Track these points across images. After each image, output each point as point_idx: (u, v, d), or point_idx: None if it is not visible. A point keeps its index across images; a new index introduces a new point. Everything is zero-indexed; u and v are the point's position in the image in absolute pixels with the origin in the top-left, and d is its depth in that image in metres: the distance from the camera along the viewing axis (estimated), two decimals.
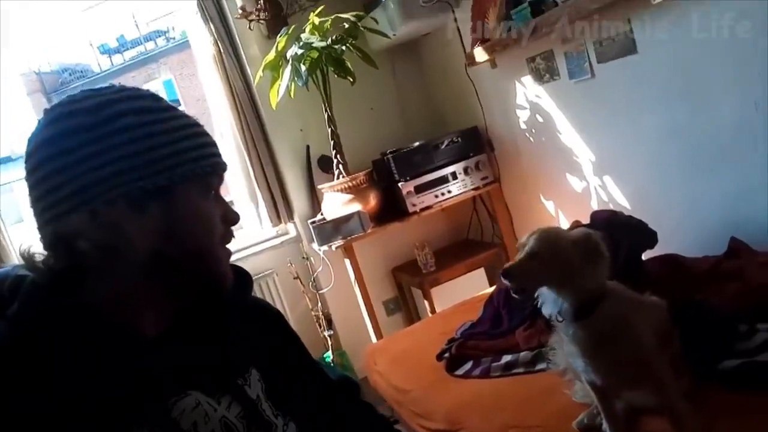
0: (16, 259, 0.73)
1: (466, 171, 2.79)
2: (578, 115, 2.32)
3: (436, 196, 2.76)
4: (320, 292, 3.06)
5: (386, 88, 3.20)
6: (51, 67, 16.29)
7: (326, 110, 2.66)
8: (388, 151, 2.82)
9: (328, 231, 2.68)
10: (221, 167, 0.75)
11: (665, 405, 1.17)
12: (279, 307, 2.86)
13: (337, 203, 2.72)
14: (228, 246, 0.77)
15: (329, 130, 2.70)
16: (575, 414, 1.36)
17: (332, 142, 2.71)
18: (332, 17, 2.53)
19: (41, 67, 16.01)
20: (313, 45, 2.44)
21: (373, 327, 2.82)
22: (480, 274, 3.02)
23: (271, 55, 2.55)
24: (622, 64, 1.98)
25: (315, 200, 3.07)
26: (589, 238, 1.15)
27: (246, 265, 0.85)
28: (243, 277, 0.82)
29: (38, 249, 0.68)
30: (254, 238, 3.21)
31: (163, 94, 0.75)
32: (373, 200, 2.73)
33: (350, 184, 2.68)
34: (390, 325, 3.13)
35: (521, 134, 2.67)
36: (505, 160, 2.85)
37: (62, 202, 0.64)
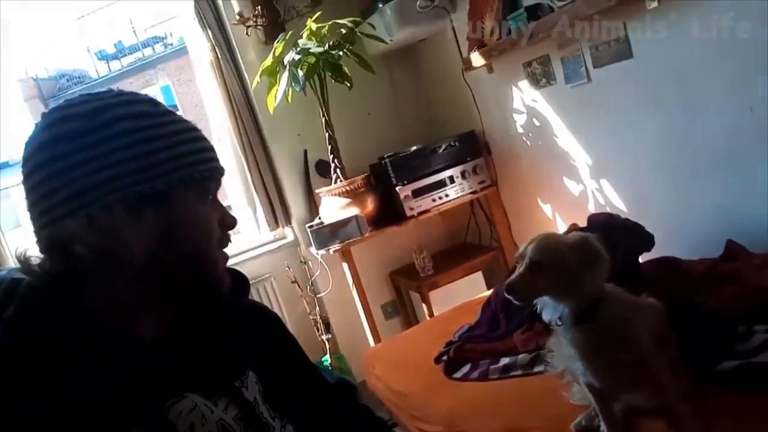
0: (13, 265, 0.72)
1: (463, 175, 2.80)
2: (575, 120, 2.33)
3: (434, 200, 2.76)
4: (318, 296, 3.06)
5: (383, 92, 3.21)
6: (48, 73, 16.30)
7: (324, 115, 2.67)
8: (385, 156, 2.83)
9: (325, 235, 2.68)
10: (219, 172, 0.75)
11: (664, 407, 1.17)
12: (277, 311, 2.87)
13: (334, 207, 2.72)
14: (225, 250, 0.77)
15: (327, 135, 2.70)
16: (573, 416, 1.36)
17: (330, 147, 2.72)
18: (329, 23, 2.54)
19: (39, 73, 16.03)
20: (311, 50, 2.45)
21: (371, 331, 2.82)
22: (478, 277, 3.02)
23: (269, 60, 2.56)
24: (618, 68, 1.99)
25: (313, 204, 3.08)
26: (586, 243, 1.15)
27: (244, 270, 0.85)
28: (240, 281, 0.82)
29: (35, 253, 0.68)
30: (252, 242, 3.21)
31: (160, 100, 0.76)
32: (370, 204, 2.73)
33: (348, 188, 2.68)
34: (388, 328, 3.13)
35: (518, 138, 2.68)
36: (502, 163, 2.86)
37: (58, 206, 0.64)
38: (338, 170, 2.73)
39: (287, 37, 2.55)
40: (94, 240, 0.65)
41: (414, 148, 2.83)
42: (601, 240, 1.17)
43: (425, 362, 1.97)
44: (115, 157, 0.65)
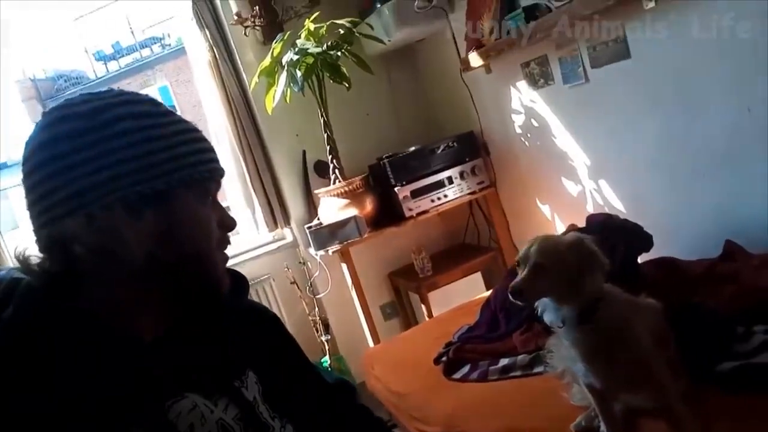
0: (12, 266, 0.72)
1: (462, 175, 2.80)
2: (573, 120, 2.33)
3: (433, 201, 2.76)
4: (317, 297, 3.06)
5: (382, 93, 3.21)
6: (46, 74, 16.26)
7: (322, 115, 2.67)
8: (384, 156, 2.83)
9: (324, 236, 2.68)
10: (219, 173, 0.75)
11: (663, 407, 1.17)
12: (276, 311, 2.86)
13: (333, 208, 2.72)
14: (225, 251, 0.77)
15: (325, 136, 2.70)
16: (573, 417, 1.36)
17: (328, 147, 2.72)
18: (328, 23, 2.54)
19: (36, 73, 15.99)
20: (309, 51, 2.45)
21: (370, 331, 2.82)
22: (477, 278, 3.02)
23: (267, 60, 2.56)
24: (616, 69, 1.99)
25: (311, 205, 3.08)
26: (582, 244, 1.15)
27: (243, 270, 0.85)
28: (239, 281, 0.83)
29: (34, 252, 0.68)
30: (251, 243, 3.21)
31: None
32: (369, 205, 2.73)
33: (346, 188, 2.68)
34: (387, 329, 3.13)
35: (516, 139, 2.68)
36: (500, 164, 2.86)
37: (57, 205, 0.64)
38: (337, 171, 2.73)
39: (285, 38, 2.54)
40: (94, 239, 0.65)
41: (412, 148, 2.83)
42: (598, 241, 1.17)
43: (424, 363, 1.97)
44: (115, 156, 0.65)
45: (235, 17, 2.82)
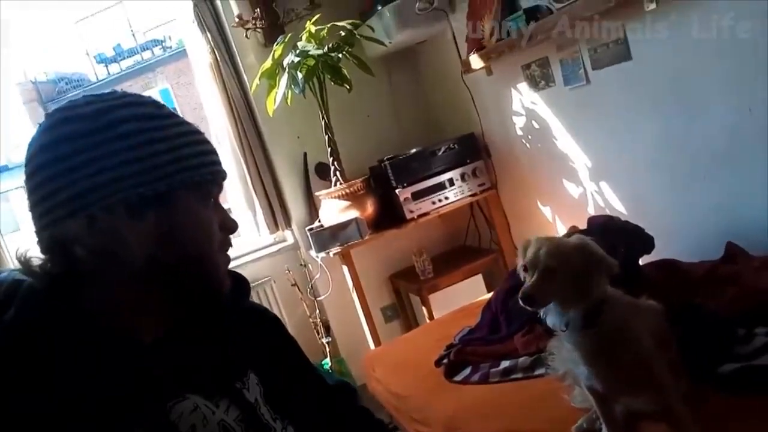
0: (12, 268, 0.72)
1: (463, 177, 2.80)
2: (574, 122, 2.33)
3: (434, 203, 2.76)
4: (318, 299, 3.05)
5: (383, 95, 3.21)
6: (47, 77, 16.28)
7: (323, 117, 2.67)
8: (385, 158, 2.83)
9: (325, 238, 2.68)
10: (221, 175, 0.75)
11: (665, 408, 1.17)
12: (277, 313, 2.85)
13: (334, 210, 2.72)
14: (228, 253, 0.77)
15: (326, 138, 2.70)
16: (574, 419, 1.35)
17: (329, 149, 2.72)
18: (329, 25, 2.54)
19: (37, 76, 16.01)
20: (310, 53, 2.45)
21: (371, 334, 2.81)
22: (478, 280, 3.02)
23: (268, 63, 2.56)
24: (617, 70, 1.99)
25: (312, 207, 3.08)
26: (588, 246, 1.14)
27: (244, 272, 0.86)
28: (240, 283, 0.83)
29: (35, 254, 0.68)
30: (252, 245, 3.21)
31: None
32: (370, 207, 2.73)
33: (347, 190, 2.68)
34: (388, 331, 3.12)
35: (517, 140, 2.68)
36: (501, 166, 2.86)
37: (59, 207, 0.64)
38: (338, 173, 2.73)
39: (286, 40, 2.55)
40: (95, 241, 0.65)
41: (413, 150, 2.83)
42: (600, 242, 1.17)
43: (425, 365, 1.96)
44: (117, 158, 0.65)
45: (237, 19, 2.82)
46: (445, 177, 2.78)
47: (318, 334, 3.01)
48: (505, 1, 2.25)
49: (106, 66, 16.22)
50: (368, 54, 2.87)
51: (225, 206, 0.82)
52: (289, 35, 2.58)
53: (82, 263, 0.66)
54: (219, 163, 0.75)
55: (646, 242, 1.79)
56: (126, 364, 0.65)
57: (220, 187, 0.76)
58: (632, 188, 2.18)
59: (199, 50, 2.94)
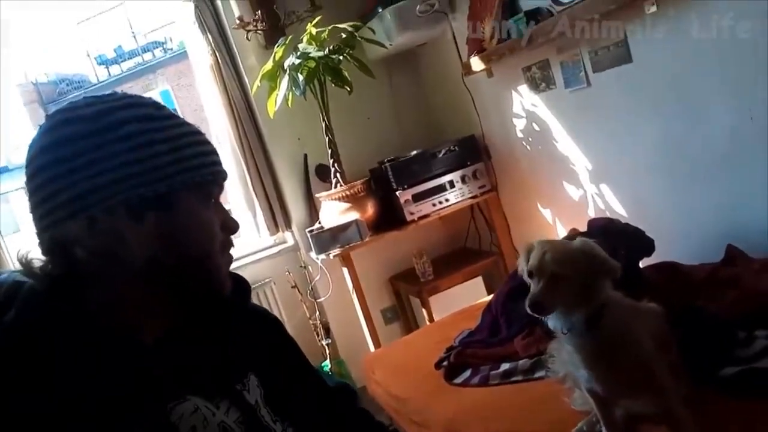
0: (12, 269, 0.72)
1: (463, 179, 2.80)
2: (574, 124, 2.33)
3: (434, 205, 2.76)
4: (318, 300, 3.05)
5: (383, 97, 3.21)
6: (48, 78, 16.31)
7: (324, 119, 2.67)
8: (385, 160, 2.83)
9: (325, 239, 2.68)
10: (222, 176, 0.75)
11: (665, 411, 1.16)
12: (276, 315, 2.85)
13: (334, 212, 2.72)
14: (230, 253, 0.77)
15: (327, 139, 2.70)
16: (574, 422, 1.35)
17: (330, 151, 2.72)
18: (329, 27, 2.54)
19: (38, 77, 16.04)
20: (311, 55, 2.46)
21: (371, 336, 2.81)
22: (478, 282, 3.02)
23: (269, 64, 2.56)
24: (618, 73, 1.99)
25: (313, 209, 3.08)
26: (593, 249, 1.13)
27: (244, 274, 0.85)
28: (241, 285, 0.83)
29: (36, 255, 0.68)
30: (252, 246, 3.21)
31: None
32: (370, 209, 2.73)
33: (348, 192, 2.68)
34: (388, 333, 3.12)
35: (518, 143, 2.68)
36: (502, 168, 2.86)
37: (59, 208, 0.64)
38: (338, 174, 2.73)
39: (287, 42, 2.55)
40: (96, 242, 0.65)
41: (414, 152, 2.83)
42: (601, 245, 1.16)
43: (425, 367, 1.96)
44: (118, 159, 0.65)
45: (237, 21, 2.82)
46: (445, 179, 2.78)
47: (318, 335, 3.01)
48: (506, 4, 2.26)
49: (107, 67, 16.25)
50: (369, 56, 2.87)
51: (225, 207, 0.82)
52: (290, 37, 2.58)
53: (83, 264, 0.66)
54: (219, 164, 0.75)
55: (646, 245, 1.79)
56: (126, 364, 0.64)
57: (220, 188, 0.76)
58: (633, 191, 2.18)
59: (200, 52, 2.95)
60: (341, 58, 2.54)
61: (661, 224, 1.96)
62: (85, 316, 0.65)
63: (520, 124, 2.63)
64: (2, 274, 0.70)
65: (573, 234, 2.02)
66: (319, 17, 2.61)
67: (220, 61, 2.91)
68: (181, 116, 0.75)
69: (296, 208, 3.10)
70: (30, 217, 0.68)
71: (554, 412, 1.44)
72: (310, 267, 3.05)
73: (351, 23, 2.57)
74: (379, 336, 2.84)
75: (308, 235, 2.78)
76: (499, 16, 2.27)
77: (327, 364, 2.96)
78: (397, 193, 2.72)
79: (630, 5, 1.74)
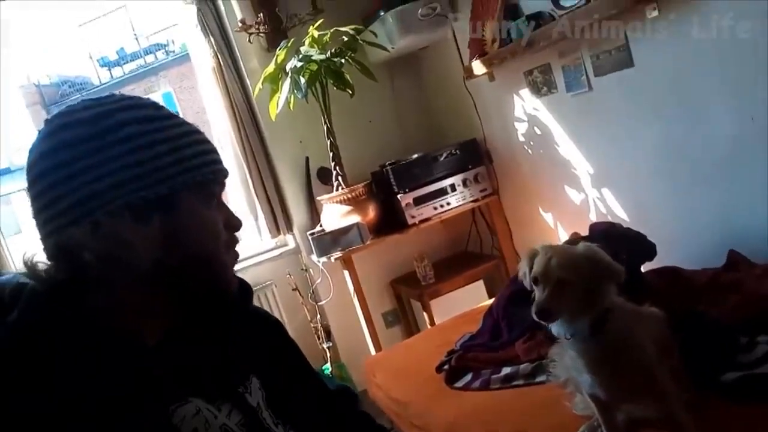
0: (14, 271, 0.73)
1: (464, 183, 2.80)
2: (576, 128, 2.33)
3: (435, 208, 2.76)
4: (319, 303, 3.05)
5: (385, 100, 3.22)
6: (50, 80, 16.34)
7: (325, 122, 2.67)
8: (387, 163, 2.83)
9: (327, 243, 2.68)
10: (223, 174, 0.75)
11: (667, 416, 1.16)
12: (277, 318, 2.86)
13: (336, 215, 2.72)
14: (236, 249, 0.77)
15: (328, 142, 2.71)
16: (576, 426, 1.35)
17: (331, 154, 2.72)
18: (331, 30, 2.55)
19: (40, 79, 16.06)
20: (313, 58, 2.46)
21: (372, 339, 2.81)
22: (479, 286, 3.01)
23: (271, 67, 2.57)
24: (619, 77, 1.99)
25: (314, 212, 3.08)
26: (597, 254, 1.13)
27: (245, 277, 0.85)
28: (243, 288, 0.82)
29: (41, 258, 0.68)
30: (253, 249, 3.21)
31: None
32: (372, 212, 2.73)
33: (349, 195, 2.68)
34: (389, 337, 3.12)
35: (519, 147, 2.68)
36: (503, 172, 2.86)
37: (62, 214, 0.64)
38: (340, 177, 2.73)
39: (289, 45, 2.56)
40: (100, 247, 0.65)
41: (415, 155, 2.84)
42: (603, 249, 1.16)
43: (426, 371, 1.96)
44: (118, 162, 0.65)
45: (240, 24, 2.83)
46: (446, 182, 2.78)
47: (319, 339, 3.01)
48: (508, 7, 2.26)
49: (109, 69, 16.27)
50: (371, 59, 2.88)
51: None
52: (292, 40, 2.58)
53: (88, 269, 0.66)
54: (220, 162, 0.75)
55: (648, 249, 1.79)
56: (127, 364, 0.64)
57: (222, 186, 0.76)
58: (634, 195, 2.18)
59: (202, 54, 2.95)
60: (343, 61, 2.54)
61: (662, 229, 1.96)
62: (87, 318, 0.66)
63: (521, 127, 2.63)
64: (7, 275, 0.70)
65: (574, 238, 2.02)
66: (321, 20, 2.62)
67: (222, 63, 2.92)
68: (181, 116, 0.75)
69: (297, 211, 3.11)
70: (33, 222, 0.68)
71: (555, 416, 1.44)
72: (311, 270, 3.05)
73: (353, 26, 2.58)
74: (380, 339, 2.84)
75: (309, 238, 2.78)
76: (500, 19, 2.28)
77: (328, 368, 2.96)
78: (398, 196, 2.72)
79: (631, 9, 1.74)
